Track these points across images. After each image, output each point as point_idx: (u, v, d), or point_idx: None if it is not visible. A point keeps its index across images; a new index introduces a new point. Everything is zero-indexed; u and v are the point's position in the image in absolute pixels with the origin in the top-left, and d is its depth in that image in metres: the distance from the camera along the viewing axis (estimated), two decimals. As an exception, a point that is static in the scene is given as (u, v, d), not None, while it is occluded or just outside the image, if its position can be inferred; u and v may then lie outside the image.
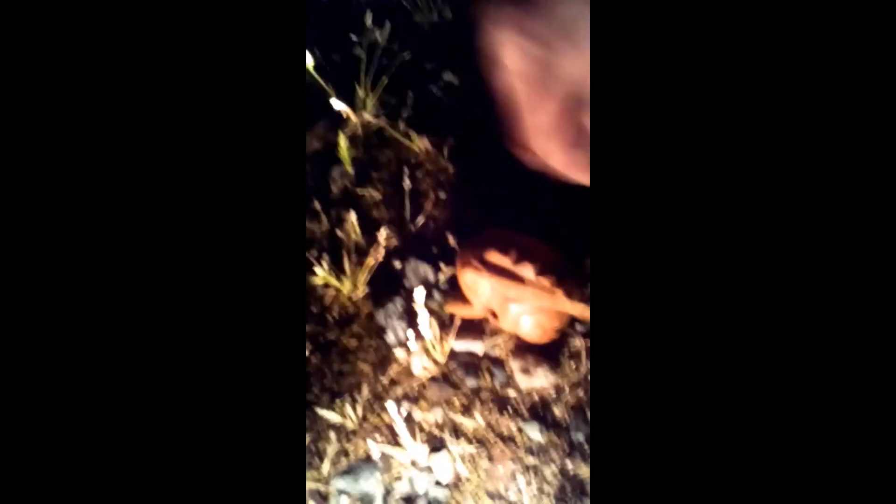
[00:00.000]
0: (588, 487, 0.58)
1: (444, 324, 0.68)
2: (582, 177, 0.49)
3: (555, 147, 0.49)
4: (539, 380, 0.63)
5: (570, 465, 0.59)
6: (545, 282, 0.60)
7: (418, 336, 0.64)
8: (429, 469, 0.60)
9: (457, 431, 0.62)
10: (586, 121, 0.37)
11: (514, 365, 0.65)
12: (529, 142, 0.43)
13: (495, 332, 0.67)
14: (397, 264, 0.73)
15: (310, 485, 0.60)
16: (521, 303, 0.61)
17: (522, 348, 0.66)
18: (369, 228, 0.73)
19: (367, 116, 0.82)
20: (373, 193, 0.78)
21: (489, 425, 0.62)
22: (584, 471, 0.59)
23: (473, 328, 0.68)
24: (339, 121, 0.81)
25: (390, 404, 0.57)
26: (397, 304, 0.69)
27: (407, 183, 0.73)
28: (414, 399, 0.65)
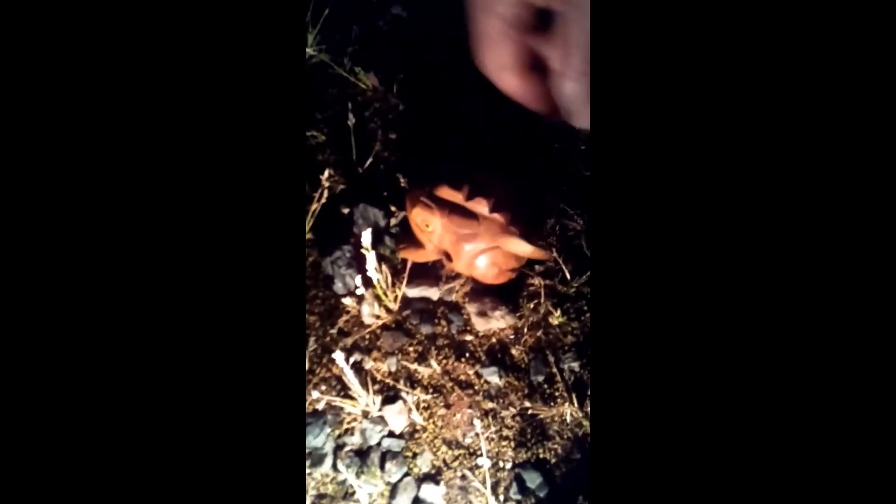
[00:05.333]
0: (548, 430, 0.55)
1: (397, 270, 0.64)
2: (538, 106, 0.43)
3: (512, 77, 0.43)
4: (497, 322, 0.60)
5: (529, 408, 0.56)
6: (499, 218, 0.56)
7: (368, 283, 0.59)
8: (382, 420, 0.57)
9: (412, 380, 0.59)
10: (547, 49, 0.32)
11: (471, 308, 0.61)
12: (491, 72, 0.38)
13: (451, 277, 0.64)
14: (345, 210, 0.68)
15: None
16: (475, 241, 0.57)
17: (479, 291, 0.62)
18: (314, 172, 0.68)
19: (310, 51, 0.75)
20: (316, 135, 0.72)
21: (445, 372, 0.59)
22: (545, 412, 0.56)
23: (427, 274, 0.64)
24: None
25: (338, 354, 0.53)
26: (345, 252, 0.65)
27: (352, 120, 0.67)
28: (366, 349, 0.61)
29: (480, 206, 0.56)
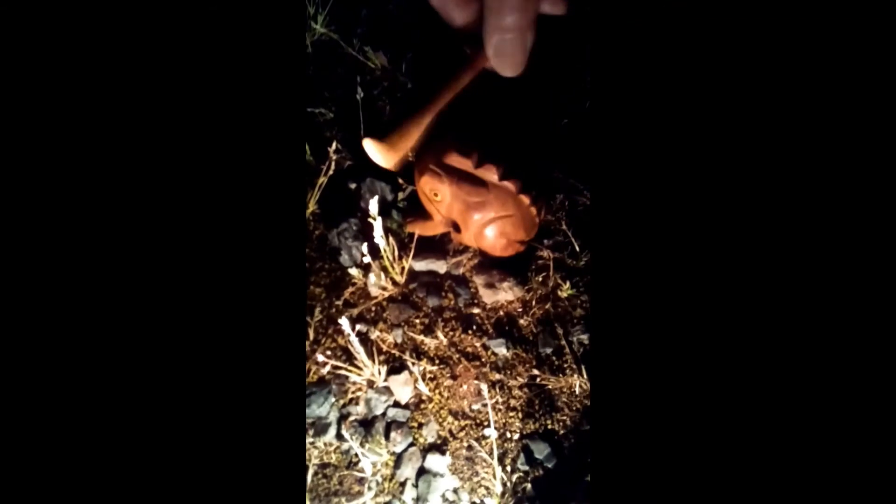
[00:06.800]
0: (557, 402, 0.54)
1: (404, 244, 0.63)
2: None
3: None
4: (504, 294, 0.59)
5: (538, 377, 0.55)
6: (510, 186, 0.56)
7: (375, 253, 0.59)
8: (387, 390, 0.56)
9: (418, 351, 0.58)
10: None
11: (479, 281, 0.60)
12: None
13: (458, 250, 0.63)
14: (352, 185, 0.68)
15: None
16: (484, 210, 0.56)
17: (487, 264, 0.61)
18: (321, 149, 0.68)
19: (319, 28, 0.75)
20: (325, 112, 0.72)
21: (452, 344, 0.58)
22: (553, 383, 0.55)
23: (434, 247, 0.64)
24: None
25: (343, 321, 0.52)
26: (352, 224, 0.64)
27: (360, 94, 0.67)
28: (372, 321, 0.60)
29: (490, 174, 0.56)
